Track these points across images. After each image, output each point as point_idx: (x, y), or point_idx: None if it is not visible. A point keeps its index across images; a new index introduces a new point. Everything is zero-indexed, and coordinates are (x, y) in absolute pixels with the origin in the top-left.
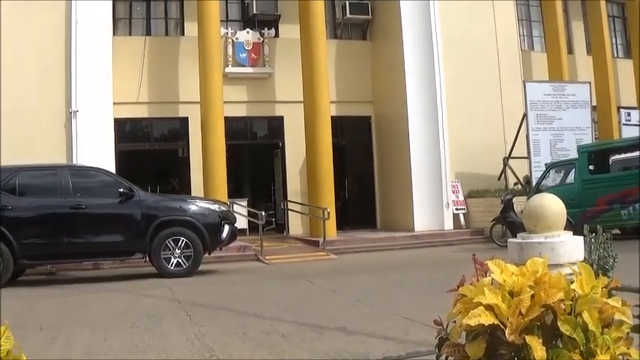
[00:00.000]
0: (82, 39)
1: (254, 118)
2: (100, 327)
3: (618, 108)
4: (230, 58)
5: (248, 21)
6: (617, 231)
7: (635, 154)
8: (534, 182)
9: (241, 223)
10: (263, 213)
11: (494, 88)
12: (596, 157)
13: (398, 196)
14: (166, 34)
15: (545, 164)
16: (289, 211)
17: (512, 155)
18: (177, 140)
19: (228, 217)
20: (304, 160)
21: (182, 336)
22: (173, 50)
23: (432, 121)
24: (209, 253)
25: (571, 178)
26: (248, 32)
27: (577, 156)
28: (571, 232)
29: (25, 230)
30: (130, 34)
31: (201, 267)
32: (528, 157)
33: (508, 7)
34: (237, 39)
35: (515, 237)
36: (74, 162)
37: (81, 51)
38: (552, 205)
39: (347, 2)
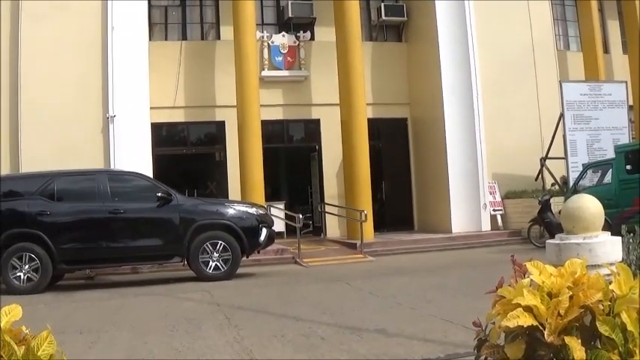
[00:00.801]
0: (119, 44)
1: (290, 121)
2: (139, 330)
3: None
4: (266, 62)
5: (283, 24)
6: None
7: None
8: (571, 183)
9: (279, 226)
10: (300, 216)
11: (531, 88)
12: (634, 157)
13: (435, 198)
14: (202, 38)
15: (583, 164)
16: (326, 214)
17: (549, 156)
18: (214, 144)
19: (266, 220)
20: (341, 162)
21: (221, 339)
22: (209, 54)
23: (468, 122)
24: (247, 257)
25: (608, 178)
26: (284, 35)
27: (614, 156)
28: (609, 233)
29: (63, 235)
30: (166, 39)
31: (239, 270)
32: (565, 158)
33: (543, 7)
34: (272, 42)
35: (553, 238)
36: (112, 167)
37: (117, 56)
38: (590, 206)
39: (382, 4)
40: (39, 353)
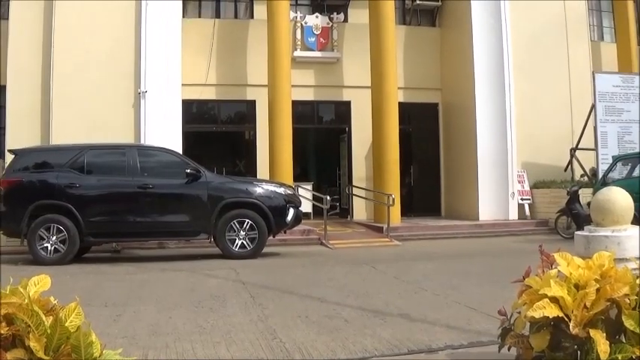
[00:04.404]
0: (152, 20)
1: (321, 102)
2: (164, 305)
3: None
4: (299, 42)
5: (317, 5)
6: None
7: None
8: (601, 174)
9: (306, 206)
10: (328, 197)
11: (564, 78)
12: None
13: (463, 185)
14: (236, 17)
15: (613, 157)
16: (354, 196)
17: (579, 146)
18: (245, 123)
19: (294, 201)
20: (370, 145)
21: (246, 317)
22: (242, 33)
23: (499, 109)
24: (273, 236)
25: (637, 171)
26: (317, 16)
27: None
28: (638, 227)
29: (92, 208)
30: (200, 17)
31: (265, 249)
32: (595, 149)
33: None
34: (306, 23)
35: (581, 229)
36: (142, 142)
37: (150, 32)
38: (620, 199)
39: None
40: (66, 324)
